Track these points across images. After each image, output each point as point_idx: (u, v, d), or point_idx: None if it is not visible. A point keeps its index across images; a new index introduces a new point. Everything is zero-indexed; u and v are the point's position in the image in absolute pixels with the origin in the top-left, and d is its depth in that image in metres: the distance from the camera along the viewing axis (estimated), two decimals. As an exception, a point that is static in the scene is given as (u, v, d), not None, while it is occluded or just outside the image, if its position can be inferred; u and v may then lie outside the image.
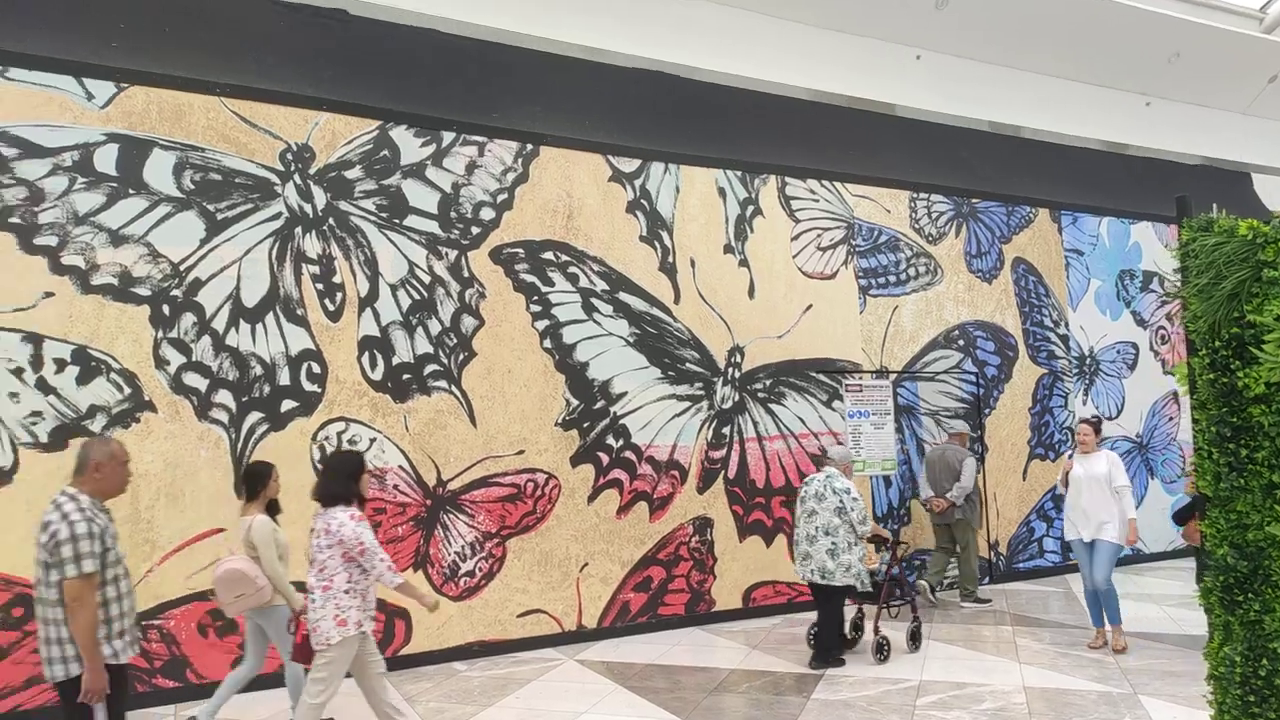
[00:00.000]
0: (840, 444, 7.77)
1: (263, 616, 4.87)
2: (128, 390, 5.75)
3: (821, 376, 8.30)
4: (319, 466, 5.19)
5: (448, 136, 6.88)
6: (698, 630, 7.29)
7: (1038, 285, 9.72)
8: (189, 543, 5.83)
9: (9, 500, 5.38)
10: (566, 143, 7.34)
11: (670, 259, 7.69)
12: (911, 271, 8.93)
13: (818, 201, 8.50)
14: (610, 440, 7.31)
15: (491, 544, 6.78)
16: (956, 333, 9.14)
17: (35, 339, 5.52)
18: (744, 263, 8.03)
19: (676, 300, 7.69)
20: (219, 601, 4.79)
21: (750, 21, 8.17)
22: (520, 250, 7.08)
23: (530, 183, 7.16)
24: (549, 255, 7.20)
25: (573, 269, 7.29)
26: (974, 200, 9.42)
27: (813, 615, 6.29)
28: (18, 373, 5.46)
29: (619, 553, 7.24)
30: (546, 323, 7.14)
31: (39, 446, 5.49)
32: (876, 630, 6.20)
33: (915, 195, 9.06)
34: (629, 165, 7.60)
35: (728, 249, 7.98)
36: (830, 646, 6.12)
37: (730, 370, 7.88)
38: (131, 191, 5.83)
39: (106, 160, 5.77)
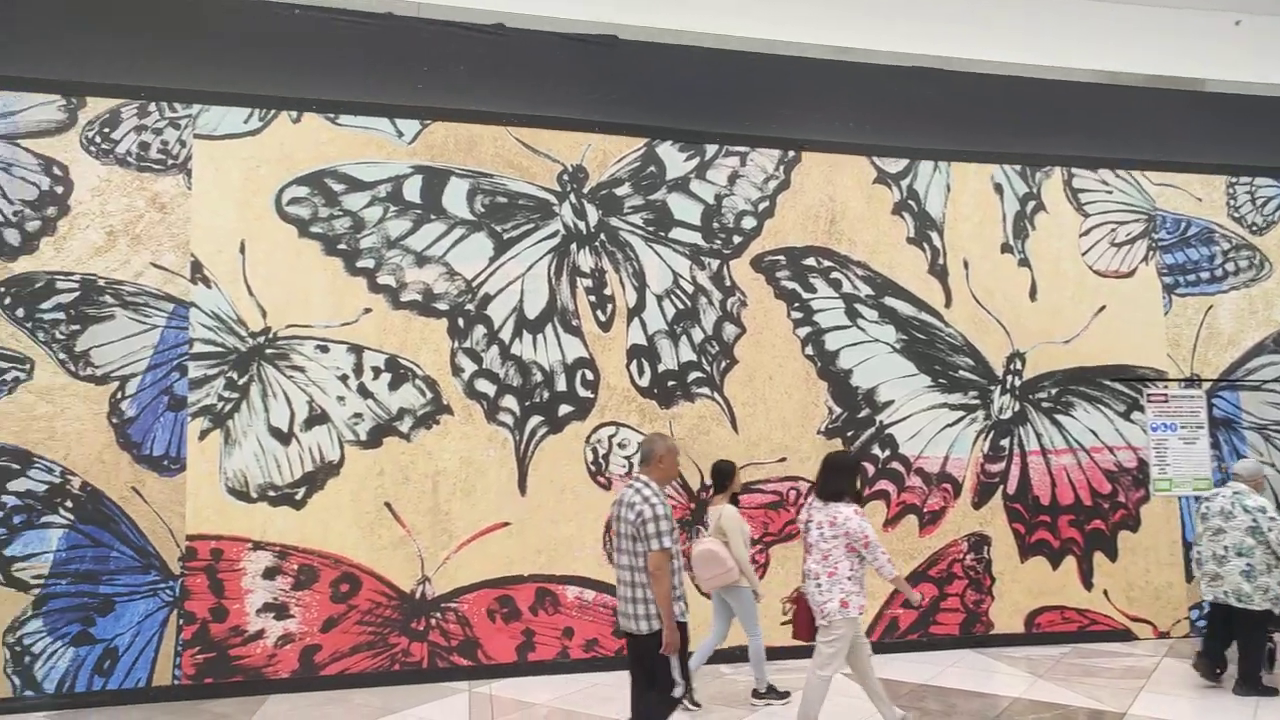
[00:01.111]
0: (1245, 457, 7.08)
1: (730, 595, 5.42)
2: (430, 395, 6.42)
3: (1118, 385, 7.50)
4: (821, 464, 5.65)
5: (710, 149, 7.03)
6: (973, 653, 6.84)
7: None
8: (480, 534, 6.39)
9: (338, 490, 6.20)
10: (829, 147, 7.23)
11: (941, 261, 7.32)
12: (1230, 266, 7.84)
13: (1111, 193, 7.71)
14: (875, 450, 7.07)
15: (754, 550, 6.79)
16: (1290, 335, 7.89)
17: (357, 350, 6.32)
18: (1024, 262, 7.46)
19: (948, 304, 7.30)
20: (695, 578, 5.46)
21: (1025, 3, 7.60)
22: (781, 257, 7.07)
23: (792, 189, 7.13)
24: (811, 261, 7.12)
25: (835, 274, 7.16)
26: (1312, 180, 8.08)
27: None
28: (344, 379, 6.29)
29: (886, 567, 6.96)
30: (808, 329, 7.06)
31: (360, 444, 6.28)
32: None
33: (1234, 180, 7.94)
34: (895, 166, 7.34)
35: (1005, 248, 7.45)
36: (1254, 673, 5.68)
37: (1010, 378, 7.34)
38: (433, 217, 6.52)
39: (413, 190, 6.50)
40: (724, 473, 5.61)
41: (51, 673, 5.70)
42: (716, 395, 6.86)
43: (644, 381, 6.76)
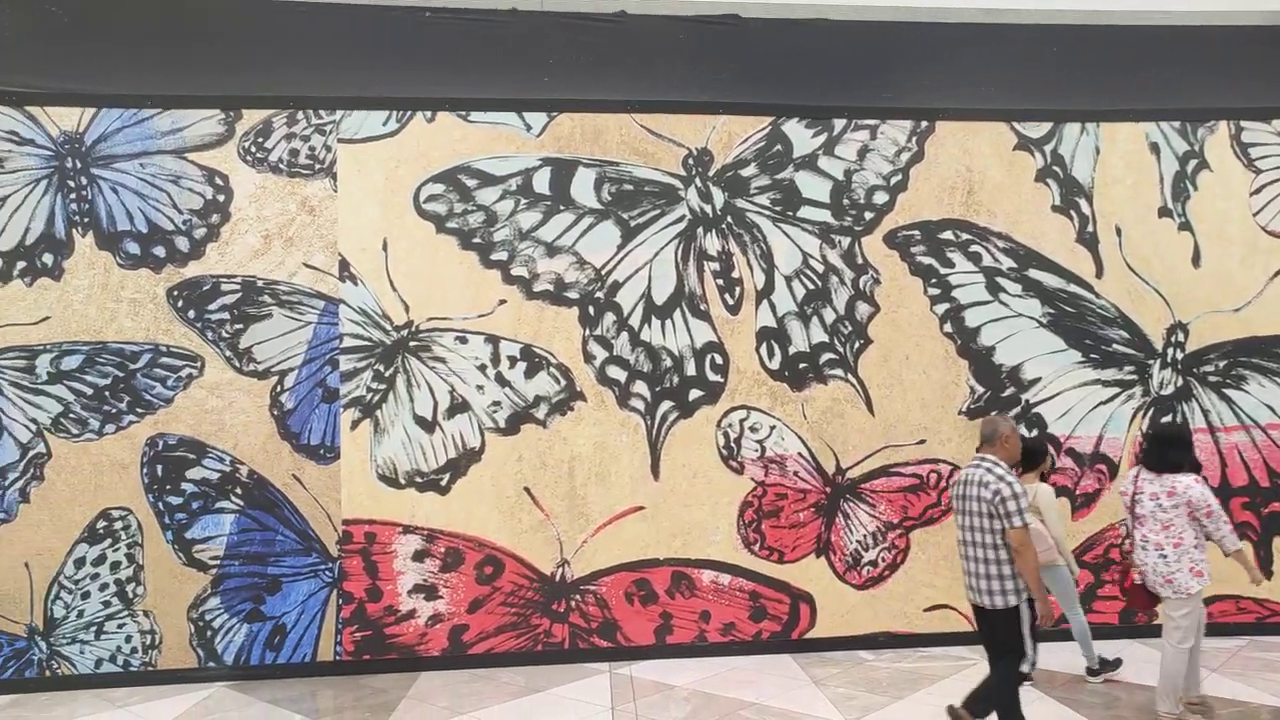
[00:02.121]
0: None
1: (1047, 574, 5.40)
2: (563, 382, 6.55)
3: (1297, 356, 6.87)
4: (1146, 434, 5.82)
5: (839, 124, 6.85)
6: (1135, 644, 6.44)
7: None
8: (615, 518, 6.49)
9: (479, 475, 6.43)
10: (965, 114, 6.91)
11: (1090, 228, 6.89)
12: None
13: (1286, 145, 7.04)
14: (1022, 430, 6.75)
15: (894, 534, 6.63)
16: None
17: (494, 340, 6.52)
18: (1186, 226, 6.93)
19: (1099, 274, 6.87)
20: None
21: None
22: (916, 232, 6.82)
23: (926, 161, 6.86)
24: (948, 235, 6.84)
25: (975, 247, 6.85)
26: None
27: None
28: (482, 369, 6.50)
29: (1036, 552, 6.65)
30: (946, 306, 6.79)
31: (498, 431, 6.48)
32: None
33: None
34: (1037, 130, 6.94)
35: (1163, 212, 6.94)
36: None
37: (1171, 351, 6.85)
38: (562, 208, 6.63)
39: (542, 182, 6.63)
40: (1035, 452, 5.64)
41: (229, 646, 6.18)
42: (850, 376, 6.71)
43: (774, 364, 6.68)
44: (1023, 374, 6.79)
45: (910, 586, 6.59)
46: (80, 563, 6.12)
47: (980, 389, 6.76)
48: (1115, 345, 6.84)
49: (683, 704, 5.38)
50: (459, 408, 6.46)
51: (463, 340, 6.49)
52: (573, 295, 6.59)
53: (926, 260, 6.81)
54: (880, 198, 6.82)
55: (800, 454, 6.63)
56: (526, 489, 6.44)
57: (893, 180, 6.83)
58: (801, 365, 6.70)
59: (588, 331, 6.59)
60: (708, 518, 6.55)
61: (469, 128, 6.60)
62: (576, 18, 6.75)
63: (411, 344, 6.46)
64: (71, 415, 6.18)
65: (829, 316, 6.73)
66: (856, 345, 6.73)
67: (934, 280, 6.80)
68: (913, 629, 6.57)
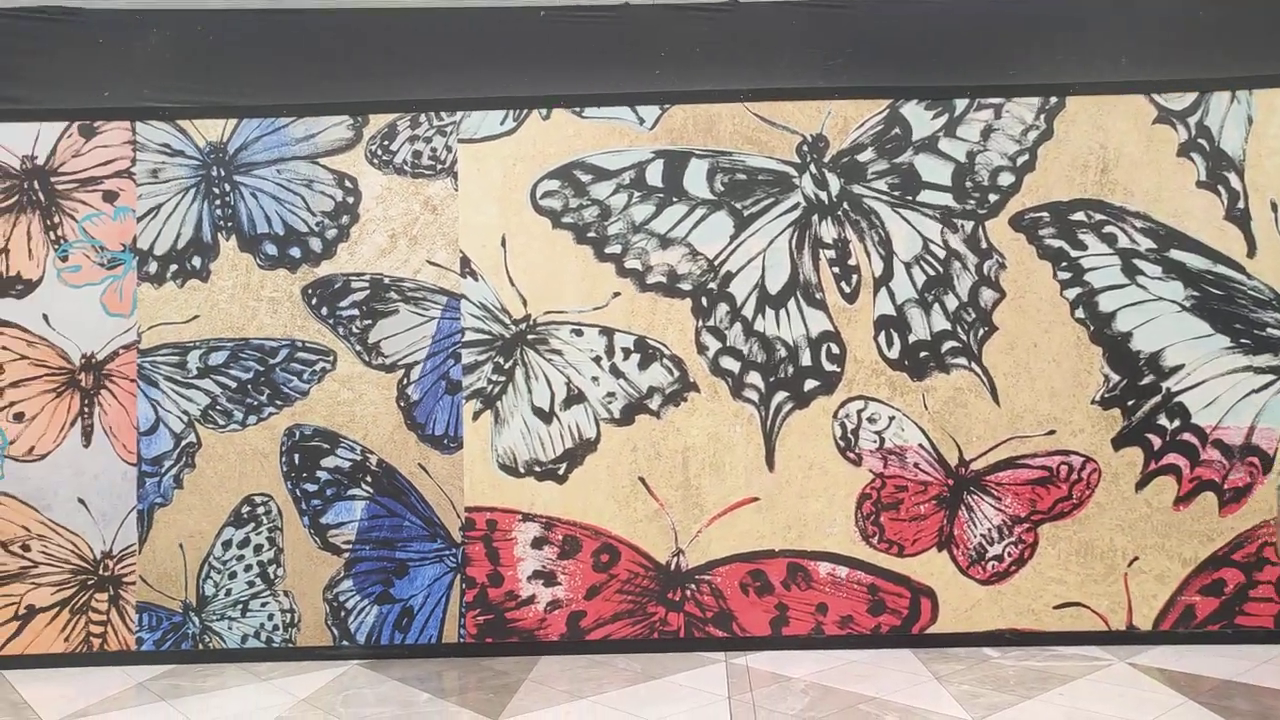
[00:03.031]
0: None
1: None
2: (677, 373, 6.57)
3: None
4: None
5: (960, 104, 6.61)
6: (1294, 652, 6.00)
7: None
8: (729, 509, 6.48)
9: (595, 465, 6.53)
10: (1099, 88, 6.55)
11: (1241, 204, 6.42)
12: None
13: None
14: (1163, 420, 6.36)
15: (1021, 529, 6.37)
16: None
17: (608, 332, 6.60)
18: (1351, 199, 6.37)
19: (1251, 253, 6.40)
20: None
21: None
22: (1045, 214, 6.51)
23: (1055, 139, 6.54)
24: (1079, 216, 6.50)
25: (1109, 228, 6.49)
26: None
27: None
28: (597, 361, 6.59)
29: (1178, 549, 6.27)
30: (1078, 290, 6.47)
31: (614, 421, 6.56)
32: None
33: None
34: (1180, 101, 6.51)
35: (1325, 184, 6.40)
36: None
37: (1333, 335, 6.32)
38: (674, 200, 6.65)
39: (655, 174, 6.67)
40: None
41: (361, 626, 6.49)
42: (974, 365, 6.47)
43: (893, 353, 6.51)
44: (1163, 361, 6.40)
45: (1039, 583, 6.32)
46: (227, 545, 6.55)
47: (1115, 377, 6.40)
48: (1270, 329, 6.36)
49: (800, 696, 5.33)
50: (575, 399, 6.58)
51: (578, 333, 6.60)
52: (685, 287, 6.61)
53: (1056, 243, 6.50)
54: (1006, 179, 6.55)
55: (921, 445, 6.45)
56: (641, 479, 6.50)
57: (1019, 160, 6.55)
58: (922, 354, 6.51)
59: (701, 323, 6.59)
60: (824, 509, 6.46)
61: (583, 123, 6.70)
62: (689, 9, 6.76)
63: (529, 337, 6.62)
64: (218, 407, 6.62)
65: (951, 303, 6.52)
66: (981, 333, 6.49)
67: (1064, 264, 6.48)
68: (1041, 626, 6.30)
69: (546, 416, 6.58)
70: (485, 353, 6.62)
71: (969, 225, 6.55)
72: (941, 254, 6.55)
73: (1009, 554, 6.37)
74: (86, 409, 6.60)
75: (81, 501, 6.54)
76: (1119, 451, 6.36)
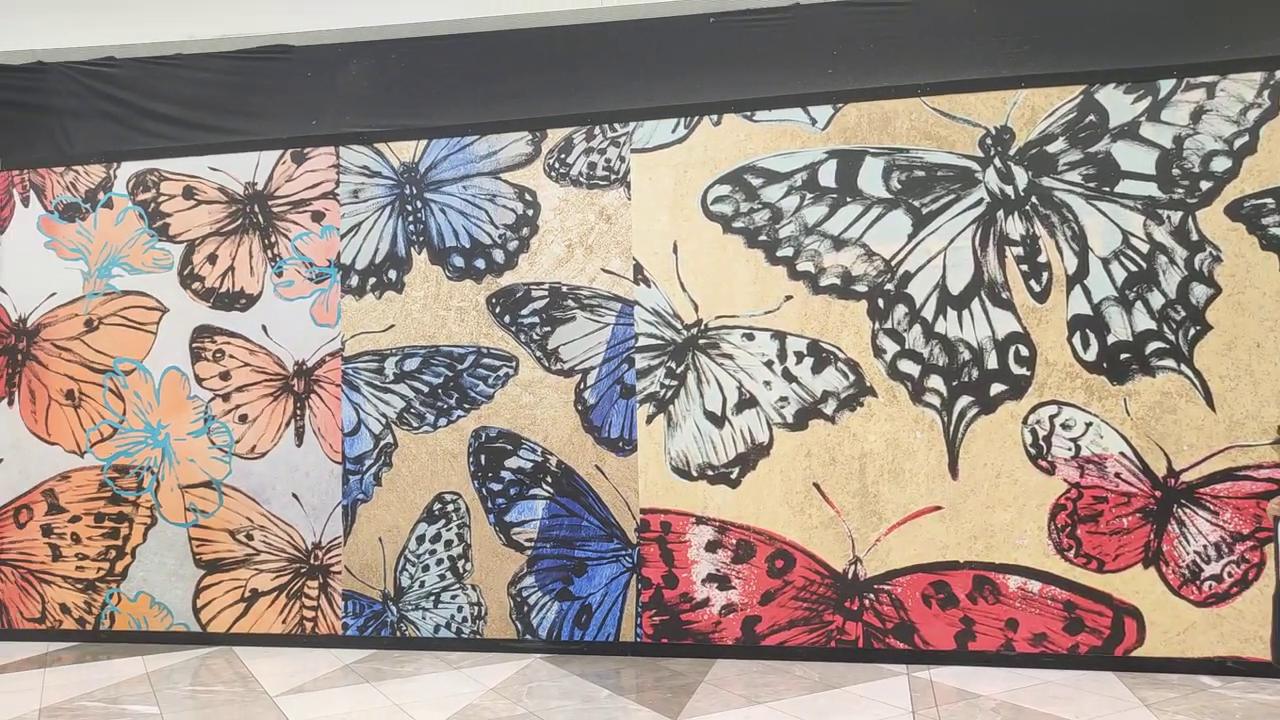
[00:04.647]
0: None
1: None
2: (852, 377, 6.43)
3: None
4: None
5: (1165, 85, 6.10)
6: None
7: None
8: (910, 517, 6.26)
9: (768, 470, 6.49)
10: (1330, 58, 5.89)
11: None
12: None
13: None
14: None
15: (1244, 547, 5.79)
16: None
17: (780, 336, 6.55)
18: None
19: None
20: None
21: None
22: (1269, 200, 5.91)
23: None
24: (1310, 201, 5.86)
25: (1347, 214, 5.81)
26: None
27: None
28: (769, 365, 6.55)
29: None
30: (1310, 284, 5.83)
31: (786, 426, 6.50)
32: None
33: None
34: None
35: None
36: None
37: None
38: (848, 200, 6.51)
39: (827, 175, 6.56)
40: None
41: (543, 622, 6.74)
42: (1184, 368, 5.96)
43: (1089, 355, 6.10)
44: None
45: (1268, 607, 5.72)
46: (420, 539, 6.97)
47: (1357, 381, 5.72)
48: None
49: (990, 715, 5.07)
50: (747, 403, 6.56)
51: (749, 337, 6.58)
52: (860, 288, 6.45)
53: (1281, 232, 5.88)
54: (1220, 164, 5.99)
55: (1123, 454, 5.99)
56: (816, 485, 6.40)
57: (1237, 143, 5.97)
58: (1123, 356, 6.05)
59: (877, 325, 6.42)
60: (1014, 520, 6.12)
61: (753, 127, 6.69)
62: (861, 5, 6.61)
63: (701, 342, 6.66)
64: (412, 410, 7.06)
65: (1156, 301, 6.02)
66: (1191, 332, 5.96)
67: (1291, 255, 5.86)
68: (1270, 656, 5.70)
69: (718, 420, 6.60)
70: (658, 357, 6.73)
71: (1176, 216, 6.03)
72: (1144, 248, 6.07)
73: (1229, 574, 5.80)
74: (299, 411, 7.22)
75: (295, 496, 7.17)
76: (1362, 463, 5.68)
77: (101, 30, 7.65)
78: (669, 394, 6.68)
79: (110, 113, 7.73)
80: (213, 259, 7.44)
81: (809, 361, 6.51)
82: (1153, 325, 6.03)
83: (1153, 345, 6.02)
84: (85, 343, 7.55)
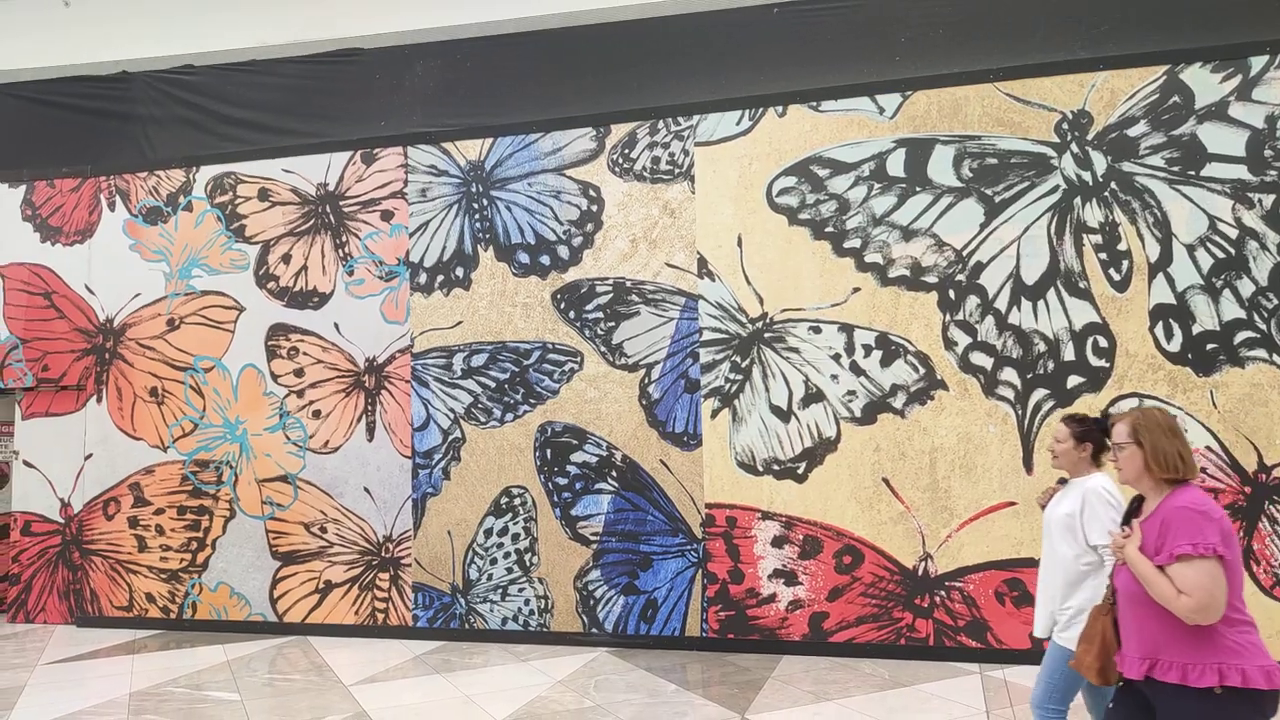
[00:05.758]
0: None
1: None
2: (922, 370, 6.30)
3: None
4: None
5: (1256, 62, 5.83)
6: None
7: None
8: (983, 513, 6.11)
9: (836, 464, 6.40)
10: None
11: None
12: None
13: None
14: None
15: (1342, 548, 5.51)
16: None
17: (847, 329, 6.45)
18: None
19: None
20: None
21: None
22: (1367, 181, 5.61)
23: (1379, 93, 5.62)
24: None
25: None
26: None
27: None
28: (836, 358, 6.45)
29: None
30: None
31: (854, 420, 6.40)
32: None
33: None
34: None
35: None
36: None
37: None
38: (918, 189, 6.38)
39: (896, 164, 6.43)
40: None
41: (609, 615, 6.76)
42: (1276, 358, 5.69)
43: (1173, 346, 5.86)
44: None
45: (1367, 611, 5.44)
46: (489, 533, 7.06)
47: None
48: None
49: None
50: (814, 397, 6.48)
51: (816, 330, 6.50)
52: (931, 279, 6.32)
53: (1383, 215, 5.58)
54: (1313, 144, 5.71)
55: (1209, 448, 5.75)
56: (885, 480, 6.29)
57: (1331, 122, 5.68)
58: (1209, 346, 5.81)
59: (948, 317, 6.27)
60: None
61: (819, 117, 6.59)
62: (929, -11, 6.47)
63: (766, 335, 6.60)
64: (480, 405, 7.15)
65: (1245, 289, 5.77)
66: (1283, 321, 5.70)
67: (1394, 239, 5.55)
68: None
69: (784, 415, 6.53)
70: (723, 352, 6.68)
71: (1269, 200, 5.76)
72: (1233, 233, 5.81)
73: (1326, 574, 5.53)
74: (370, 407, 7.37)
75: (366, 490, 7.31)
76: None
77: (180, 41, 7.92)
78: (734, 388, 6.64)
79: (189, 119, 7.99)
80: (286, 259, 7.64)
81: (877, 354, 6.40)
82: (1242, 314, 5.77)
83: (1242, 335, 5.76)
84: (168, 341, 7.82)
